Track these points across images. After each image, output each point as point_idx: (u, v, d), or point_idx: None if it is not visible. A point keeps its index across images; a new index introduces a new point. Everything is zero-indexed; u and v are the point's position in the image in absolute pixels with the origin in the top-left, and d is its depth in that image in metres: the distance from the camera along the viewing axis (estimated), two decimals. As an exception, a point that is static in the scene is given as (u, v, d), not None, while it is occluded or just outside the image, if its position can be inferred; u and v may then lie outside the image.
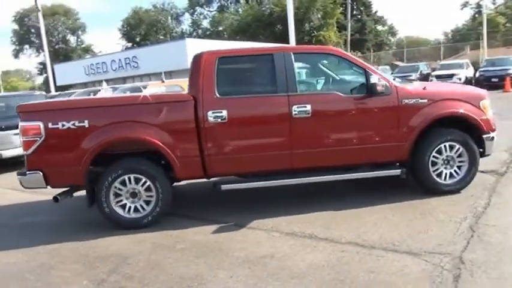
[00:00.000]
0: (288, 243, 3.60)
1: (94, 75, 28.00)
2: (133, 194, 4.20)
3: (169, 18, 49.53)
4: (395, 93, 4.30)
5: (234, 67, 4.49)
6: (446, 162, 4.50)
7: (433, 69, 23.99)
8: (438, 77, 20.75)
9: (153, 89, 10.65)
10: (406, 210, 4.18)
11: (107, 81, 20.45)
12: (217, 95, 4.15)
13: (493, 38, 37.64)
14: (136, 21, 46.50)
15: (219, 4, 47.52)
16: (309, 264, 3.17)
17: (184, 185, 5.61)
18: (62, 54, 46.22)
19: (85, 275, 3.32)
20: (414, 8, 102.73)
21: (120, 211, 4.18)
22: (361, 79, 4.38)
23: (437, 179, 4.48)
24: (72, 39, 50.47)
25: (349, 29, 38.30)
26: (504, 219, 3.75)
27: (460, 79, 20.21)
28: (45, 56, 24.84)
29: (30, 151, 4.00)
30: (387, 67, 27.95)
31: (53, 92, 21.42)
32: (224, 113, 4.12)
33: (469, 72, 21.70)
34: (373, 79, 4.17)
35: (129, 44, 46.58)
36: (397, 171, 4.40)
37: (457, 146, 4.45)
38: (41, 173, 4.02)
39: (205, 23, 47.61)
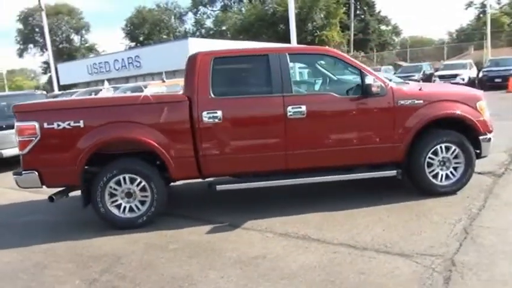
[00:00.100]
0: (281, 244, 3.60)
1: (97, 75, 28.12)
2: (129, 194, 4.21)
3: (173, 17, 49.63)
4: (390, 94, 4.29)
5: (229, 67, 4.49)
6: (442, 163, 4.48)
7: (436, 70, 23.87)
8: (441, 77, 20.65)
9: (154, 88, 10.67)
10: (401, 211, 4.17)
11: (110, 80, 20.52)
12: (212, 95, 4.16)
13: (498, 38, 37.44)
14: (139, 21, 46.63)
15: (222, 4, 47.64)
16: (301, 265, 3.17)
17: (181, 185, 5.63)
18: (65, 53, 46.41)
19: (78, 275, 3.33)
20: (418, 8, 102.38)
21: (115, 211, 4.19)
22: (357, 80, 4.37)
23: (433, 180, 4.47)
24: (76, 38, 50.73)
25: (352, 29, 38.24)
26: (499, 221, 3.73)
27: (463, 79, 20.10)
28: (48, 55, 24.93)
29: (25, 151, 4.02)
30: (390, 67, 27.86)
31: (56, 91, 21.52)
32: (219, 113, 4.12)
33: (473, 72, 21.58)
34: (368, 80, 4.16)
35: (133, 44, 46.73)
36: (393, 172, 4.39)
37: (453, 147, 4.44)
38: (37, 173, 4.04)
39: (209, 23, 47.79)
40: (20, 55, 50.62)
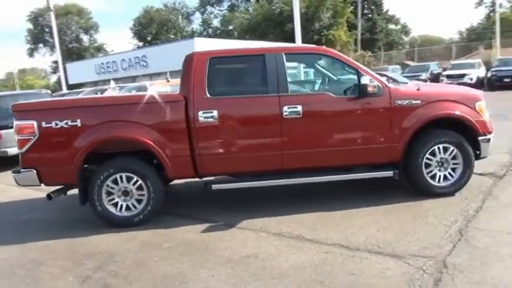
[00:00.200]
0: (274, 244, 3.61)
1: (104, 74, 28.35)
2: (126, 193, 4.25)
3: (180, 17, 49.82)
4: (387, 94, 4.27)
5: (226, 67, 4.51)
6: (440, 164, 4.44)
7: (444, 69, 23.61)
8: (449, 76, 20.42)
9: (158, 88, 10.74)
10: (397, 212, 4.15)
11: (117, 80, 20.70)
12: (208, 95, 4.17)
13: (508, 37, 36.89)
14: (147, 21, 46.89)
15: (229, 3, 47.68)
16: (292, 265, 3.18)
17: (180, 184, 5.66)
18: (75, 53, 46.85)
19: (72, 272, 3.38)
20: (428, 7, 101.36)
21: (112, 209, 4.24)
22: (354, 80, 4.35)
23: (431, 181, 4.43)
24: (85, 38, 51.15)
25: (359, 28, 38.03)
26: (495, 224, 3.69)
27: (471, 79, 19.83)
28: (57, 55, 25.22)
29: (24, 149, 4.09)
30: (397, 67, 27.65)
31: (64, 91, 21.76)
32: (215, 113, 4.14)
33: (481, 72, 21.29)
34: (364, 80, 4.14)
35: (141, 43, 47.01)
36: (390, 173, 4.36)
37: (451, 148, 4.40)
38: (35, 171, 4.10)
39: (216, 22, 47.87)
40: (30, 55, 51.26)
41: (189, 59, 4.28)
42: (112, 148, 4.27)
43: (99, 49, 51.10)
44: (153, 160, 4.29)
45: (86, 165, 4.27)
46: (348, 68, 4.39)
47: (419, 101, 4.31)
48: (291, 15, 14.99)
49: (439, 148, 4.39)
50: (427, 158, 4.39)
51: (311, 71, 5.07)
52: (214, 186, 4.29)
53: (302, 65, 8.57)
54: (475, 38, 43.72)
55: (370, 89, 4.11)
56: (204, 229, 4.09)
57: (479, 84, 19.47)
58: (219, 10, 48.56)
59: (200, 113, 4.13)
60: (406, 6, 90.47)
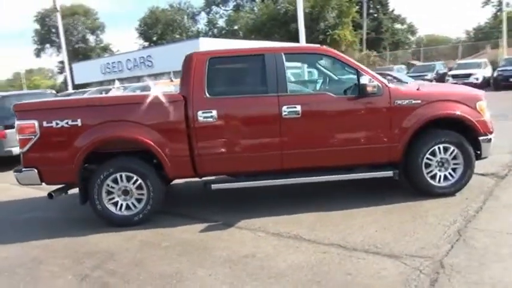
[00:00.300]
0: (272, 244, 3.61)
1: (110, 74, 28.51)
2: (125, 192, 4.27)
3: (186, 17, 49.94)
4: (387, 93, 4.25)
5: (225, 67, 4.52)
6: (440, 164, 4.42)
7: (450, 69, 23.44)
8: (454, 76, 20.26)
9: (162, 87, 10.78)
10: (397, 212, 4.13)
11: (122, 80, 20.81)
12: (208, 95, 4.18)
13: (516, 36, 36.50)
14: (153, 21, 47.08)
15: (235, 3, 47.72)
16: (289, 265, 3.18)
17: (181, 183, 5.69)
18: (81, 53, 47.18)
19: (72, 270, 3.41)
20: (435, 6, 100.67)
21: (112, 208, 4.26)
22: (354, 79, 4.34)
23: (431, 181, 4.41)
24: (91, 38, 51.51)
25: (365, 28, 37.88)
26: (495, 224, 3.66)
27: (477, 79, 19.68)
28: (63, 55, 25.41)
29: (25, 149, 4.13)
30: (403, 66, 27.49)
31: (69, 90, 21.92)
32: (214, 113, 4.15)
33: (487, 71, 21.11)
34: (364, 80, 4.12)
35: (146, 43, 47.21)
36: (389, 173, 4.34)
37: (452, 148, 4.37)
38: (36, 171, 4.14)
39: (221, 22, 47.93)
40: (37, 55, 51.73)
41: (188, 59, 4.30)
42: (112, 148, 4.29)
43: (105, 49, 51.42)
44: (152, 160, 4.32)
45: (86, 165, 4.30)
46: (348, 68, 4.38)
47: (419, 101, 4.29)
48: (296, 15, 14.99)
49: (439, 148, 4.36)
50: (427, 158, 4.37)
51: (314, 70, 5.04)
52: (214, 186, 4.30)
53: (305, 65, 8.56)
54: (482, 38, 43.33)
55: (369, 88, 4.10)
56: (203, 229, 4.10)
57: (486, 84, 19.31)
58: (224, 10, 48.69)
59: (199, 112, 4.14)
60: (413, 6, 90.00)
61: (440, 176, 4.43)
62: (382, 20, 43.06)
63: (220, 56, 4.39)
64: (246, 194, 4.97)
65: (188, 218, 4.47)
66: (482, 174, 5.10)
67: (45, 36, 49.28)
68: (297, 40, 18.96)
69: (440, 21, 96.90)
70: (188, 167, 4.27)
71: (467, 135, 4.40)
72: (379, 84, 4.22)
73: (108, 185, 4.21)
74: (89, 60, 36.19)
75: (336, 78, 4.81)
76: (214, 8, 48.89)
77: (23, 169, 4.18)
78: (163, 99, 4.17)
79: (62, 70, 48.78)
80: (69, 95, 17.05)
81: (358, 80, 4.19)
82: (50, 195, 4.29)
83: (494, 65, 22.57)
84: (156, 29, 46.95)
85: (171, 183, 5.48)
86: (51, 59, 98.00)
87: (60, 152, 4.12)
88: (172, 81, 12.09)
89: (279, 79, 4.20)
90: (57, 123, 4.08)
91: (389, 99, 4.25)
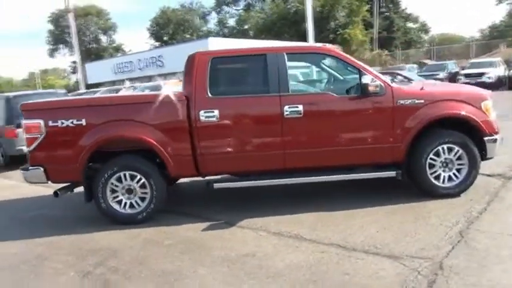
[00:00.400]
0: (272, 243, 3.62)
1: (122, 74, 28.86)
2: (129, 191, 4.33)
3: (197, 17, 50.18)
4: (390, 93, 4.22)
5: (227, 67, 4.54)
6: (444, 164, 4.37)
7: (463, 68, 23.07)
8: (467, 75, 19.92)
9: (171, 87, 10.87)
10: (399, 212, 4.11)
11: (133, 79, 21.02)
12: (210, 94, 4.22)
13: (531, 35, 35.77)
14: (164, 21, 47.48)
15: (245, 3, 47.76)
16: (288, 264, 3.19)
17: (185, 182, 5.74)
18: (93, 53, 47.83)
19: (75, 267, 3.47)
20: (450, 5, 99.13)
21: (116, 207, 4.33)
22: (357, 79, 4.32)
23: (435, 182, 4.37)
24: (103, 38, 52.16)
25: (376, 27, 37.53)
26: (498, 225, 3.61)
27: (490, 78, 19.31)
28: (76, 55, 25.84)
29: (32, 148, 4.21)
30: (414, 66, 27.16)
31: (81, 90, 22.25)
32: (216, 112, 4.18)
33: (501, 70, 20.72)
34: (366, 79, 4.11)
35: (158, 43, 47.59)
36: (392, 173, 4.32)
37: (456, 148, 4.32)
38: (42, 169, 4.23)
39: (232, 22, 48.05)
40: (51, 55, 52.60)
41: (191, 59, 4.33)
42: (116, 147, 4.35)
43: (117, 49, 51.99)
44: (155, 159, 4.37)
45: (90, 164, 4.37)
46: (350, 67, 4.36)
47: (422, 101, 4.25)
48: (306, 15, 15.00)
49: (443, 148, 4.32)
50: (431, 159, 4.33)
51: (313, 70, 5.04)
52: (216, 185, 4.33)
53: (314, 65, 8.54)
54: (497, 36, 42.52)
55: (371, 88, 4.08)
56: (206, 227, 4.13)
57: (499, 83, 18.96)
58: (235, 10, 48.78)
59: (202, 112, 4.18)
60: (426, 5, 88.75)
61: (444, 177, 4.38)
62: (393, 18, 42.62)
63: (223, 56, 4.42)
64: (249, 194, 4.99)
65: (191, 216, 4.51)
66: (489, 175, 5.03)
67: (59, 37, 50.05)
68: (306, 39, 18.94)
69: (455, 19, 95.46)
70: (190, 166, 4.30)
71: (473, 136, 4.34)
72: (382, 84, 4.20)
73: (112, 184, 4.27)
74: (102, 60, 36.67)
75: (339, 77, 4.79)
76: (225, 8, 49.07)
77: (30, 167, 4.27)
78: (165, 99, 4.21)
79: (75, 70, 49.46)
80: (80, 94, 17.34)
81: (360, 79, 4.17)
82: (55, 193, 4.37)
83: (508, 63, 22.16)
84: (168, 29, 47.33)
85: (176, 182, 5.54)
86: (65, 59, 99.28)
87: (65, 150, 4.20)
88: (181, 80, 12.17)
89: (281, 79, 4.21)
90: (62, 123, 4.15)
91: (392, 99, 4.22)
